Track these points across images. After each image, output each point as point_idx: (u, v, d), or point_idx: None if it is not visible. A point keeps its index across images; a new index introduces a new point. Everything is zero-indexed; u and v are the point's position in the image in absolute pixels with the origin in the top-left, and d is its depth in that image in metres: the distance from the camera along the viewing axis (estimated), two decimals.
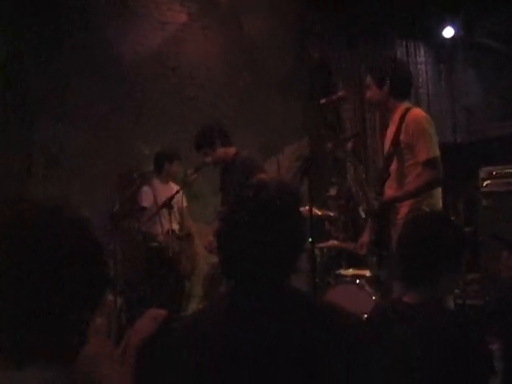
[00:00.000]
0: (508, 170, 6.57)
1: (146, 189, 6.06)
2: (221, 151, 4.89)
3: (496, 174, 6.62)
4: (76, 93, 6.16)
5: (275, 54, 7.45)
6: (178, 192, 5.43)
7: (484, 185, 6.68)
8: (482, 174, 6.71)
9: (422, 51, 8.47)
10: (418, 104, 8.12)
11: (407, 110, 3.79)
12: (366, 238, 3.95)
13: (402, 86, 3.89)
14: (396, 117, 3.81)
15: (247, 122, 7.03)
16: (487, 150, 7.44)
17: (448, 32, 8.20)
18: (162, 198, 5.64)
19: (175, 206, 5.75)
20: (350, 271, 5.08)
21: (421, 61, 8.44)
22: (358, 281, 4.76)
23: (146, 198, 6.04)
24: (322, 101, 3.90)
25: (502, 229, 6.00)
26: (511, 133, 7.66)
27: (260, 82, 7.29)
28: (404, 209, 3.68)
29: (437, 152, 3.65)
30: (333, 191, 5.82)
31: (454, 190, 6.68)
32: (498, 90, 8.54)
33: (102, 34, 6.30)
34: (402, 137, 3.70)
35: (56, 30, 6.06)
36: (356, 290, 4.66)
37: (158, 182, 6.15)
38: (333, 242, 5.37)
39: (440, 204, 3.77)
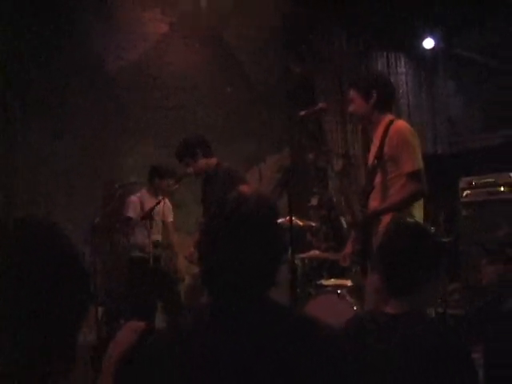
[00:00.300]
0: (487, 180, 6.64)
1: (133, 199, 6.07)
2: (202, 162, 4.93)
3: (475, 184, 6.69)
4: (62, 104, 6.18)
5: (258, 66, 7.51)
6: (158, 203, 5.45)
7: (464, 195, 6.74)
8: (461, 185, 6.77)
9: (403, 62, 8.57)
10: (398, 115, 8.22)
11: (391, 122, 3.79)
12: (349, 249, 3.95)
13: (387, 99, 3.91)
14: (380, 130, 3.82)
15: (230, 133, 7.07)
16: (468, 161, 7.53)
17: (428, 43, 8.30)
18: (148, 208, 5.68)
19: (158, 216, 5.78)
20: (332, 281, 5.12)
21: (401, 72, 8.54)
22: (339, 291, 4.77)
23: (133, 208, 6.03)
24: (302, 113, 3.90)
25: (482, 238, 6.07)
26: (492, 144, 7.77)
27: (243, 93, 7.34)
28: (386, 218, 3.68)
29: (421, 164, 3.67)
30: (314, 201, 5.85)
31: (434, 200, 6.74)
32: (479, 102, 8.65)
33: (85, 44, 6.32)
34: (385, 149, 3.71)
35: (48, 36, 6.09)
36: (337, 300, 4.67)
37: (147, 194, 6.14)
38: (314, 252, 5.39)
39: (421, 215, 3.80)
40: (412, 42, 8.37)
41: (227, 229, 1.69)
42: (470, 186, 6.73)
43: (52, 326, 1.18)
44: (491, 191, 6.57)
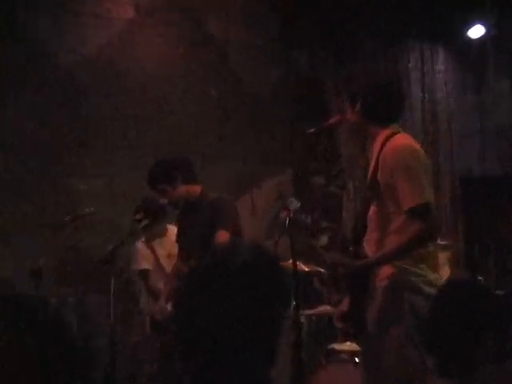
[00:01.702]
0: None
1: (139, 246, 5.99)
2: (182, 189, 4.90)
3: None
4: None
5: (253, 66, 7.60)
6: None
7: None
8: None
9: (441, 57, 8.66)
10: (435, 125, 8.32)
11: (388, 137, 3.59)
12: (344, 306, 3.71)
13: (379, 108, 3.67)
14: (376, 148, 3.66)
15: (216, 149, 7.15)
16: None
17: (475, 32, 8.34)
18: (162, 252, 5.79)
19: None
20: (347, 345, 5.14)
21: (439, 69, 8.61)
22: (357, 359, 4.78)
23: (142, 257, 5.98)
24: (311, 130, 3.86)
25: None
26: None
27: (233, 99, 7.41)
28: (386, 269, 3.52)
29: (426, 197, 3.44)
30: (324, 240, 5.88)
31: (480, 238, 6.85)
32: None
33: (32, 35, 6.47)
34: (379, 175, 3.56)
35: None
36: (354, 370, 4.68)
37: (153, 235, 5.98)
38: (325, 308, 5.44)
39: (437, 264, 3.69)
40: (454, 31, 8.46)
41: (211, 288, 1.76)
42: None
43: None
44: None
